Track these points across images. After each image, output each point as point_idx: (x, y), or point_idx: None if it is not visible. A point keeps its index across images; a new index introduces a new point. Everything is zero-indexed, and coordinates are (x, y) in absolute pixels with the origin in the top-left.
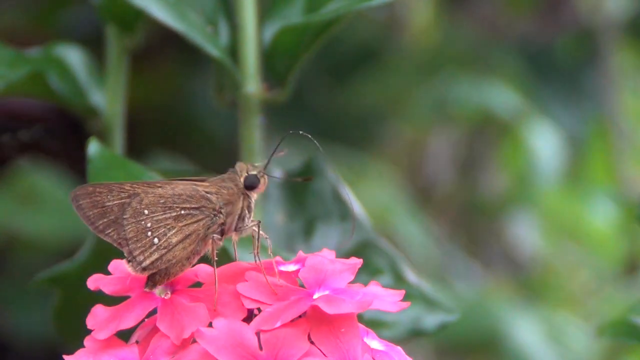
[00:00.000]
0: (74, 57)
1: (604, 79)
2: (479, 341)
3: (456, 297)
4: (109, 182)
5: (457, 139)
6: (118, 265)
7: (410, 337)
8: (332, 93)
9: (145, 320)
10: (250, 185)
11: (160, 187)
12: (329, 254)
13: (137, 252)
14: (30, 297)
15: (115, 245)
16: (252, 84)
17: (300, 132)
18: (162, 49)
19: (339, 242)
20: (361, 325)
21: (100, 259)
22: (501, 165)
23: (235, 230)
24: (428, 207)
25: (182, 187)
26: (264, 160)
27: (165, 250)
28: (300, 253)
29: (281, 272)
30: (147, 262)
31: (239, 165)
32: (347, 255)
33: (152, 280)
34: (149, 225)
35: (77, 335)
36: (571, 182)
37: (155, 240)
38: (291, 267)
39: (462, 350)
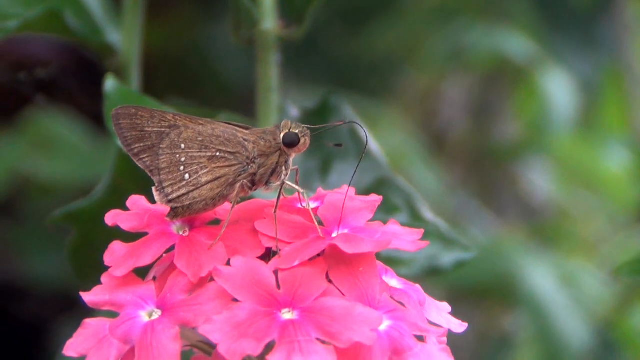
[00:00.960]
0: None
1: (618, 26)
2: (493, 286)
3: (470, 241)
4: (152, 108)
5: (471, 86)
6: (136, 201)
7: (427, 274)
8: (346, 40)
9: (164, 256)
10: (289, 142)
11: (201, 124)
12: (349, 191)
13: (166, 184)
14: (45, 242)
15: (147, 171)
16: (269, 21)
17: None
18: None
19: (355, 179)
20: (380, 264)
21: (117, 196)
22: (515, 112)
23: (266, 184)
24: (442, 154)
25: (222, 129)
26: (304, 125)
27: (193, 187)
28: (320, 190)
29: (300, 210)
30: (174, 195)
31: (284, 122)
32: (363, 193)
33: (174, 212)
34: (182, 159)
35: (92, 272)
36: (585, 129)
37: (187, 176)
38: (311, 204)
39: (476, 295)
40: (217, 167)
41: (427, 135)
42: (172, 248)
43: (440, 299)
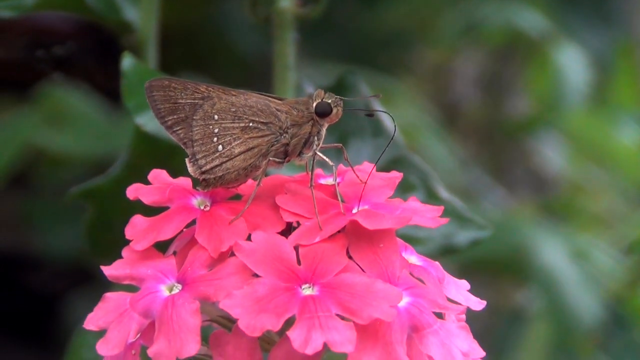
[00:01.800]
0: None
1: (630, 2)
2: (505, 261)
3: (482, 216)
4: (185, 80)
5: (484, 61)
6: (158, 175)
7: (443, 253)
8: (360, 16)
9: (184, 230)
10: (322, 112)
11: (234, 95)
12: (370, 168)
13: (200, 155)
14: (59, 215)
15: (180, 144)
16: (286, 0)
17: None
18: None
19: (372, 155)
20: (400, 240)
21: (134, 174)
22: (527, 87)
23: (299, 155)
24: (454, 129)
25: (255, 99)
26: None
27: (227, 158)
28: (341, 166)
29: (321, 186)
30: (208, 167)
31: (317, 92)
32: (379, 171)
33: (205, 182)
34: (216, 130)
35: (109, 249)
36: (597, 104)
37: (220, 147)
38: (331, 181)
39: (488, 269)
40: (250, 137)
41: (440, 110)
42: (193, 222)
43: (453, 274)
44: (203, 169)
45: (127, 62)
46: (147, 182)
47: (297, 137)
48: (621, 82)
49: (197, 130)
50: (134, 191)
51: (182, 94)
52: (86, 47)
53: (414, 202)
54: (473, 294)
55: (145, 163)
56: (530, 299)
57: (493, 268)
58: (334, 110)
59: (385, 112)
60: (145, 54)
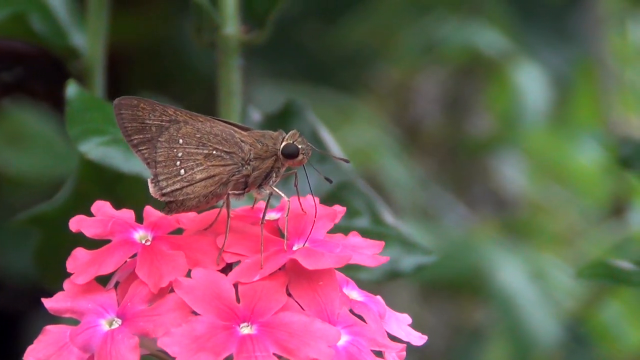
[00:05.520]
0: None
1: (590, 20)
2: (465, 280)
3: (442, 235)
4: (154, 101)
5: (444, 79)
6: (101, 207)
7: (388, 278)
8: (320, 34)
9: (128, 261)
10: (288, 153)
11: (201, 121)
12: (312, 201)
13: (162, 177)
14: (19, 235)
15: (144, 163)
16: (231, 26)
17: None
18: None
19: (317, 184)
20: (341, 275)
21: (80, 201)
22: (488, 106)
23: (259, 187)
24: (415, 148)
25: (220, 127)
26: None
27: (188, 183)
28: (284, 200)
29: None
30: (168, 189)
31: (293, 132)
32: (325, 197)
33: (168, 207)
34: (179, 154)
35: (57, 275)
36: (557, 123)
37: (182, 171)
38: (273, 215)
39: (448, 288)
40: (213, 165)
41: (401, 129)
42: (135, 255)
43: (414, 293)
44: (164, 191)
45: (71, 89)
46: (91, 211)
47: (258, 170)
48: (580, 100)
49: (161, 152)
50: (76, 223)
51: (150, 115)
52: (37, 71)
53: (354, 238)
54: (433, 312)
55: (91, 190)
56: (490, 318)
57: (453, 287)
58: (300, 157)
59: (343, 160)
60: (92, 79)
